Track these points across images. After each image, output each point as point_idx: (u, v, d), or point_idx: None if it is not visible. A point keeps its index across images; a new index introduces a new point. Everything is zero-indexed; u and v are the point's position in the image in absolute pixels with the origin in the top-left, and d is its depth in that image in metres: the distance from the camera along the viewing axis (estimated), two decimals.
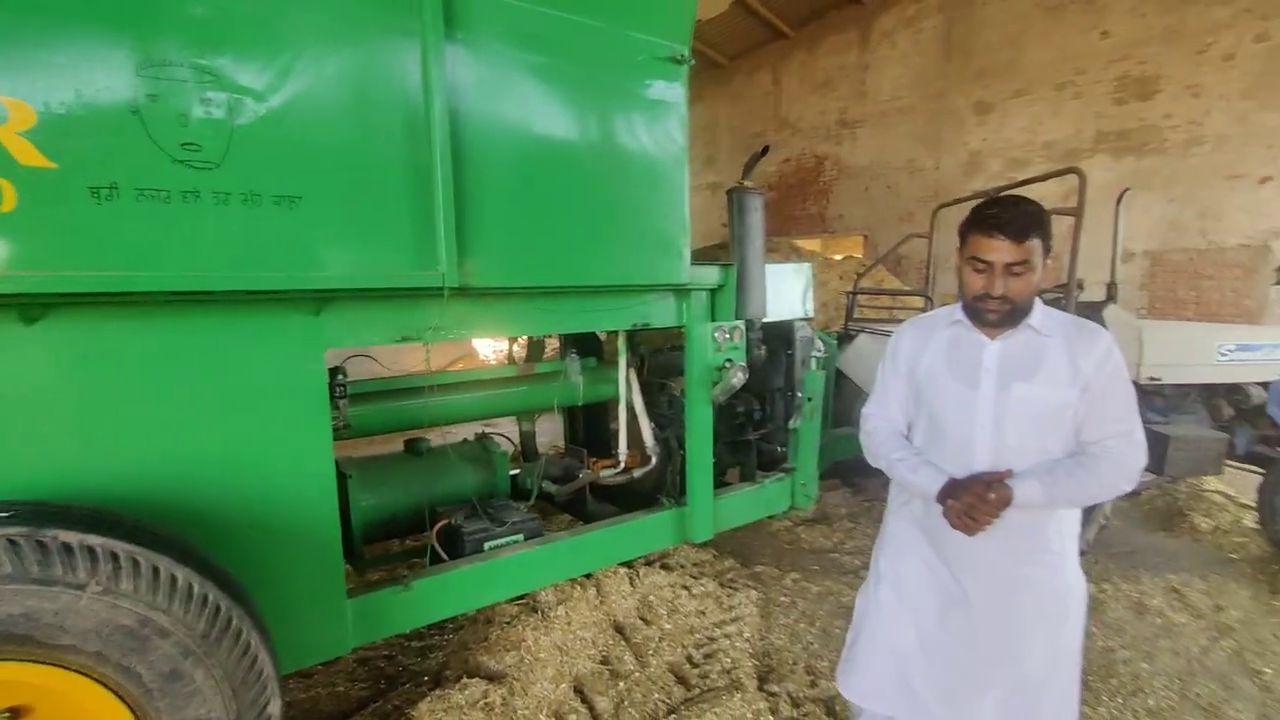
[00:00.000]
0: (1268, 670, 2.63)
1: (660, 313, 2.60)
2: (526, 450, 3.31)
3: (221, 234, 1.59)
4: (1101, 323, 3.68)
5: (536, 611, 2.70)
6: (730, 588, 3.27)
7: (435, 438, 2.88)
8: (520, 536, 2.47)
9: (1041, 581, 1.53)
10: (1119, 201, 4.07)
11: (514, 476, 3.03)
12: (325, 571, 1.91)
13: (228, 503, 1.72)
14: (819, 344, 3.38)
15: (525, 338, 3.66)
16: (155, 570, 1.35)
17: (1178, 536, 4.15)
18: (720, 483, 3.24)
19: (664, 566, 3.38)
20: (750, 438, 3.25)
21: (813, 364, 3.26)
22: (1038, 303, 1.51)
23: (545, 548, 2.45)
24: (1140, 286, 8.77)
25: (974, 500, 1.44)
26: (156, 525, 1.52)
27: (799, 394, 3.17)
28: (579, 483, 2.88)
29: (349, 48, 1.74)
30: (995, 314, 1.45)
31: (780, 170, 12.57)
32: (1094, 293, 3.96)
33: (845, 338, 4.46)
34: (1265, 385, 3.88)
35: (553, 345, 3.98)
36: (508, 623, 2.60)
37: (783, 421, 3.23)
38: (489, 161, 2.02)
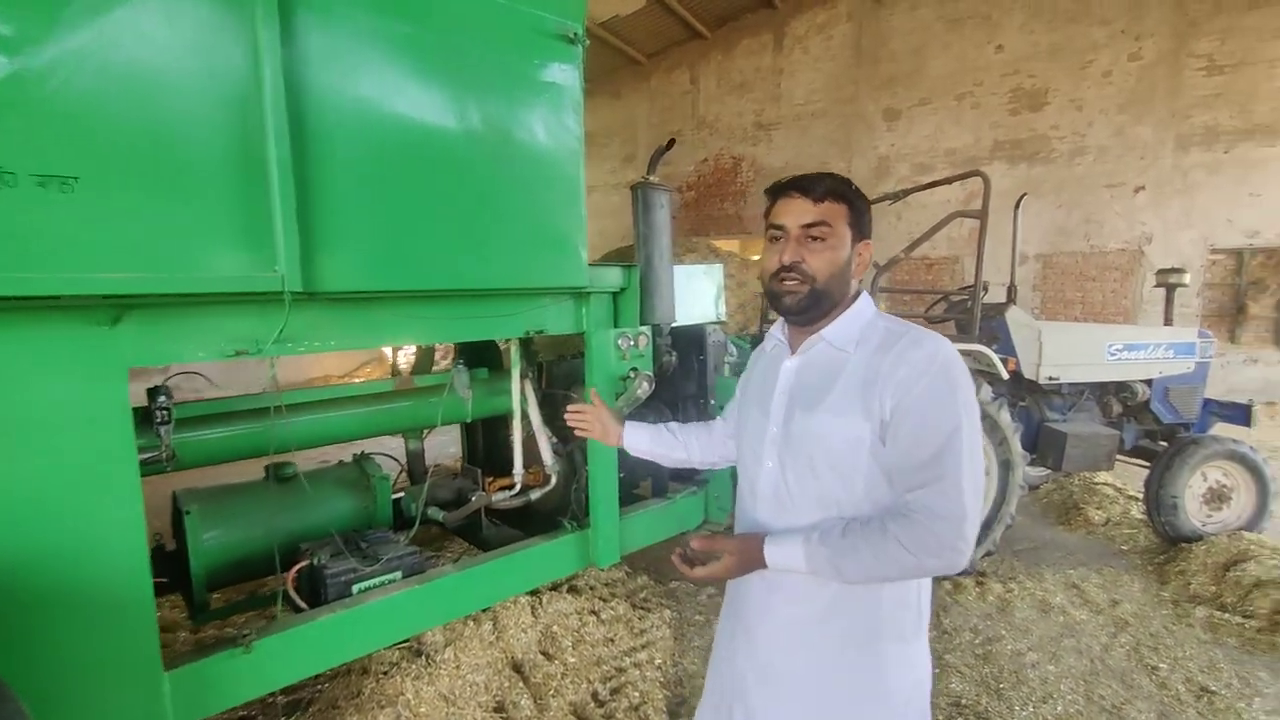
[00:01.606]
0: (1163, 665, 2.68)
1: (557, 318, 2.36)
2: (414, 471, 2.98)
3: None
4: (1005, 324, 3.75)
5: (421, 655, 2.39)
6: (643, 609, 3.07)
7: (314, 460, 2.51)
8: (397, 575, 2.16)
9: (842, 687, 1.14)
10: (1017, 207, 4.18)
11: (397, 501, 2.71)
12: (132, 641, 1.54)
13: None
14: (732, 349, 3.24)
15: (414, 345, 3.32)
16: None
17: (1074, 530, 4.31)
18: (632, 497, 3.03)
19: (572, 590, 3.13)
20: None
21: (726, 370, 3.12)
22: (859, 307, 1.16)
23: (428, 586, 2.15)
24: (1033, 288, 9.30)
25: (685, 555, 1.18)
26: None
27: (712, 401, 3.01)
28: (471, 507, 2.59)
29: None
30: (791, 295, 1.12)
31: (699, 170, 12.57)
32: (995, 294, 4.04)
33: (759, 341, 4.37)
34: (1149, 382, 4.07)
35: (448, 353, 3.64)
36: (385, 672, 2.28)
37: None
38: (342, 144, 1.71)
